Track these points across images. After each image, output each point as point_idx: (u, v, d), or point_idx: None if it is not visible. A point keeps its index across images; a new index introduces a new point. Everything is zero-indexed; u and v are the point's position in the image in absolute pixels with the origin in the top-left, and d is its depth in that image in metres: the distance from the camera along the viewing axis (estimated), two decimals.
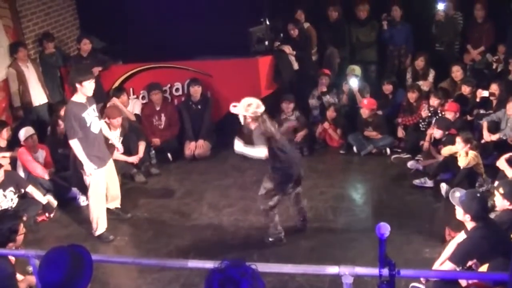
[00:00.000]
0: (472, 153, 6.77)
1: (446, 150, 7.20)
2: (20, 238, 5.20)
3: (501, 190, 5.05)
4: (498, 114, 7.67)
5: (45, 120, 8.80)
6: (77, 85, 6.10)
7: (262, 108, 5.79)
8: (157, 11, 9.95)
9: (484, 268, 4.29)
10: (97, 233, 6.63)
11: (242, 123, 5.89)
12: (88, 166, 6.27)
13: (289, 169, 5.98)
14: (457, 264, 4.46)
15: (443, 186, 6.93)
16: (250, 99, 5.83)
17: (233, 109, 5.85)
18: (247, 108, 5.74)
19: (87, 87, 6.12)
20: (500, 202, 5.09)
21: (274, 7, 9.31)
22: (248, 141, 5.90)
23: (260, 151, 5.77)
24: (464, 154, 6.80)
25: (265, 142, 5.75)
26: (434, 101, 8.12)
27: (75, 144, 6.19)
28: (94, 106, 6.36)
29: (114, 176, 6.88)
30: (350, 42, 9.94)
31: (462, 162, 6.79)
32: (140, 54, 9.62)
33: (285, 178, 6.01)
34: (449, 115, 7.77)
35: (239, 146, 5.87)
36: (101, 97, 8.38)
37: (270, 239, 6.27)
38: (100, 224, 6.61)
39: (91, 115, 6.26)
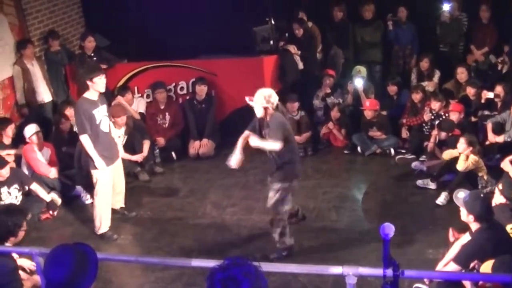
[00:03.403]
0: (472, 158, 6.76)
1: (447, 154, 7.22)
2: (21, 234, 5.23)
3: (500, 186, 5.16)
4: (502, 115, 7.65)
5: (49, 118, 8.81)
6: (88, 82, 6.15)
7: (277, 97, 5.67)
8: (162, 10, 9.96)
9: (486, 266, 4.27)
10: (100, 231, 6.63)
11: (260, 115, 5.70)
12: (99, 162, 6.28)
13: (296, 163, 5.87)
14: (461, 266, 4.46)
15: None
16: (266, 90, 5.70)
17: (252, 103, 5.65)
18: (268, 99, 5.57)
19: (99, 83, 6.16)
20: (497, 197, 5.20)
21: (279, 7, 9.30)
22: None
23: (275, 144, 5.55)
24: (464, 158, 6.78)
25: (281, 135, 5.58)
26: (435, 104, 8.11)
27: (85, 140, 6.21)
28: (105, 106, 6.38)
29: (121, 176, 6.89)
30: (354, 42, 9.92)
31: (461, 166, 6.78)
32: (145, 53, 9.63)
33: (293, 169, 5.81)
34: (453, 116, 7.76)
35: (254, 140, 5.66)
36: (106, 96, 8.37)
37: (284, 254, 5.96)
38: (103, 223, 6.61)
39: (101, 113, 6.27)
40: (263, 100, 5.58)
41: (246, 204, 7.24)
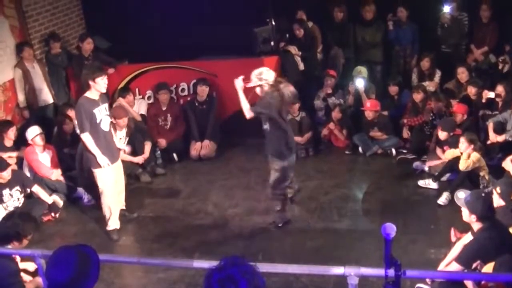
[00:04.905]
0: (474, 156, 6.74)
1: (449, 154, 7.21)
2: (25, 242, 5.25)
3: (498, 189, 5.12)
4: (504, 115, 7.64)
5: (50, 120, 8.81)
6: (90, 82, 6.18)
7: (272, 74, 6.12)
8: (163, 11, 9.96)
9: (488, 266, 4.27)
10: (110, 228, 6.66)
11: (260, 94, 6.15)
12: (101, 159, 6.30)
13: (289, 137, 6.25)
14: (464, 266, 4.46)
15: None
16: (259, 69, 6.14)
17: (250, 85, 6.11)
18: (260, 77, 6.04)
19: (101, 83, 6.20)
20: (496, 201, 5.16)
21: (279, 7, 9.31)
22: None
23: (247, 110, 6.12)
24: (465, 157, 6.77)
25: (267, 111, 6.04)
26: (436, 104, 8.10)
27: (86, 138, 6.24)
28: (106, 105, 6.42)
29: (121, 177, 6.88)
30: (355, 42, 9.93)
31: (462, 165, 6.77)
32: (146, 54, 9.63)
33: (285, 144, 6.20)
34: (457, 117, 7.75)
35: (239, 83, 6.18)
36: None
37: (280, 225, 6.55)
38: (112, 219, 6.63)
39: (102, 112, 6.31)
40: (255, 79, 6.07)
41: (247, 205, 7.24)
